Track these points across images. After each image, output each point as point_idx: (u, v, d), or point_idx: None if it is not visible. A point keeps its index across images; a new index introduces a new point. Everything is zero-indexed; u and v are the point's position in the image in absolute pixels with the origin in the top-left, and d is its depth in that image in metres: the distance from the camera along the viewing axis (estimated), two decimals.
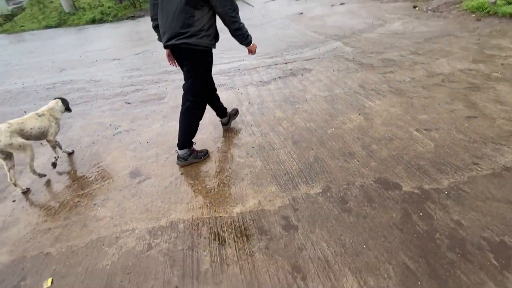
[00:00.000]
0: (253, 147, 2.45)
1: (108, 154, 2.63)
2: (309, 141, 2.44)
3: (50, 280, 1.52)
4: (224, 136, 2.70)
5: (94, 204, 2.04)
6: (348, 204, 1.78)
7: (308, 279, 1.40)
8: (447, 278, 1.33)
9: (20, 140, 2.17)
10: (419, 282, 1.33)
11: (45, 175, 2.43)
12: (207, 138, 2.66)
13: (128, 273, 1.53)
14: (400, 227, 1.60)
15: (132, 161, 2.49)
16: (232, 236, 1.67)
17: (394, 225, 1.61)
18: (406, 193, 1.81)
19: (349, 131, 2.50)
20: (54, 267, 1.61)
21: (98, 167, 2.46)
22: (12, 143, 2.11)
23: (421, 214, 1.66)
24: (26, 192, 2.24)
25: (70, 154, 2.70)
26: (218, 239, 1.66)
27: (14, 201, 2.18)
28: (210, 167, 2.29)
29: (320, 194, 1.88)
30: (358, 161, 2.13)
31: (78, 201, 2.09)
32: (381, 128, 2.49)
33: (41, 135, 2.38)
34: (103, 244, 1.71)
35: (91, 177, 2.35)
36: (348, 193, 1.86)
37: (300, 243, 1.58)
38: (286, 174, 2.08)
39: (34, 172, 2.32)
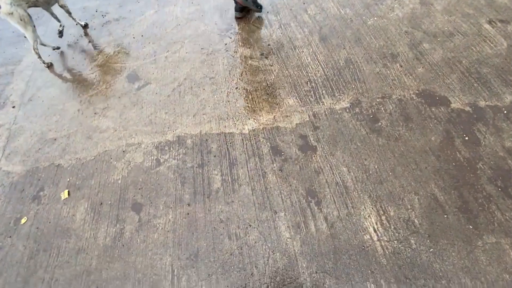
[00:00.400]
0: (269, 45, 1.98)
1: (99, 52, 2.26)
2: (341, 36, 1.91)
3: (66, 192, 1.56)
4: (232, 28, 2.17)
5: (95, 113, 1.88)
6: (379, 123, 1.51)
7: (323, 205, 1.34)
8: (478, 213, 1.21)
9: (22, 12, 1.94)
10: (445, 216, 1.22)
11: (51, 64, 2.28)
12: (211, 31, 2.15)
13: (140, 189, 1.52)
14: (437, 153, 1.38)
15: (128, 61, 2.14)
16: (244, 155, 1.54)
17: (430, 151, 1.39)
18: (454, 111, 1.48)
19: (396, 22, 1.90)
20: (68, 179, 1.62)
21: (91, 69, 2.16)
22: (12, 13, 1.90)
23: (466, 138, 1.39)
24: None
25: (55, 49, 2.35)
26: (229, 158, 1.54)
27: (13, 107, 2.05)
28: (216, 71, 1.93)
29: (347, 110, 1.59)
30: (401, 66, 1.70)
31: (78, 109, 1.93)
32: (441, 18, 1.86)
33: (49, 0, 2.16)
34: (111, 158, 1.66)
35: (86, 80, 2.10)
36: (382, 109, 1.55)
37: (318, 166, 1.44)
38: (308, 83, 1.73)
39: (39, 56, 2.18)
